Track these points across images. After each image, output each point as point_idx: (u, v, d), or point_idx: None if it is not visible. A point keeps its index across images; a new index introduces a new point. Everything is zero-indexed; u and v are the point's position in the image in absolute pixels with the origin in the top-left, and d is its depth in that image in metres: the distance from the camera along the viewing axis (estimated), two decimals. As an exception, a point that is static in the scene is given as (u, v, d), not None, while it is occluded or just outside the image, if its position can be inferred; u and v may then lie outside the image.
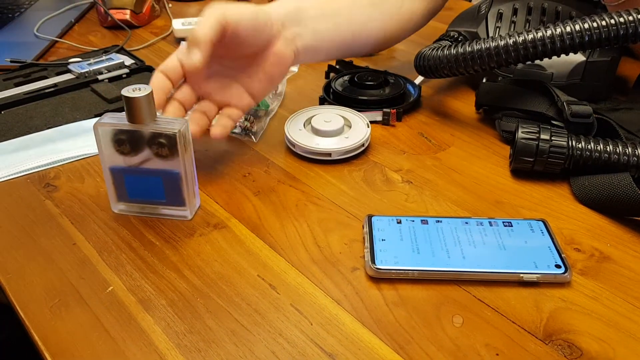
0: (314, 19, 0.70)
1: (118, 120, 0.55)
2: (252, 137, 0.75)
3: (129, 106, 0.53)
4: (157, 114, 0.56)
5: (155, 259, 0.55)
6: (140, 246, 0.57)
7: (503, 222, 0.57)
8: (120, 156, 0.57)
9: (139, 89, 0.53)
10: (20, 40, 1.02)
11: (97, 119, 0.76)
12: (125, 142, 0.56)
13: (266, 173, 0.68)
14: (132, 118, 0.54)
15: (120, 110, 0.79)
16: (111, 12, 1.10)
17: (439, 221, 0.57)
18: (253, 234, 0.58)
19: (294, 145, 0.71)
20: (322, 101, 0.82)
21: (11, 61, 0.92)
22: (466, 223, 0.57)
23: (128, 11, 1.10)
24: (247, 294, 0.51)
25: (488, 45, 0.69)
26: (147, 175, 0.57)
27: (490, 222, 0.57)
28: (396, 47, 1.03)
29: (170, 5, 1.25)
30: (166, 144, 0.55)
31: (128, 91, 0.53)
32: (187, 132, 0.56)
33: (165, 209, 0.60)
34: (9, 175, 0.67)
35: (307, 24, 0.69)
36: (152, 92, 0.53)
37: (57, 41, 1.04)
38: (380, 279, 0.52)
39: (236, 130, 0.75)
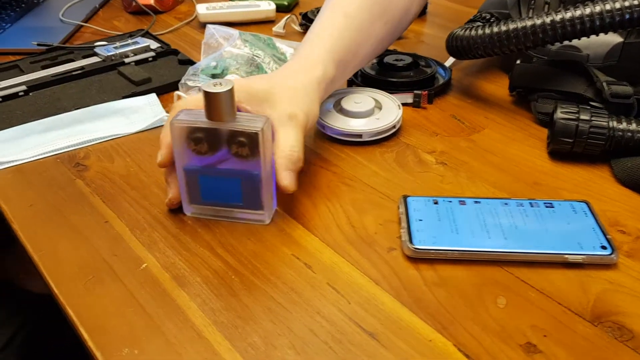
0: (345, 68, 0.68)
1: (195, 117, 0.52)
2: (282, 118, 0.73)
3: (209, 102, 0.50)
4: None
5: (188, 237, 0.54)
6: (173, 224, 0.56)
7: (544, 203, 0.56)
8: (195, 156, 0.53)
9: (220, 84, 0.49)
10: (46, 25, 1.02)
11: (125, 100, 0.76)
12: (203, 140, 0.52)
13: (297, 154, 0.67)
14: (211, 115, 0.51)
15: (147, 92, 0.78)
16: (136, -4, 1.09)
17: (477, 202, 0.56)
18: (285, 213, 0.57)
19: (323, 126, 0.69)
20: (351, 84, 0.81)
21: (38, 44, 0.92)
22: (506, 204, 0.56)
23: (152, -4, 1.09)
24: (282, 272, 0.50)
25: (524, 24, 0.68)
26: (223, 176, 0.54)
27: (530, 203, 0.56)
28: (424, 30, 1.01)
29: (194, -10, 1.24)
30: (247, 143, 0.51)
31: (209, 86, 0.49)
32: (268, 131, 0.52)
33: (241, 213, 0.56)
34: (39, 155, 0.66)
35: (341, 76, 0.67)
36: (233, 87, 0.49)
37: (82, 26, 1.04)
38: (418, 259, 0.51)
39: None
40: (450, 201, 0.56)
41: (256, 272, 0.50)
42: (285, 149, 0.54)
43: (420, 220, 0.53)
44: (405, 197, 0.56)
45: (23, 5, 1.11)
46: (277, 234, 0.54)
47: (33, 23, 1.03)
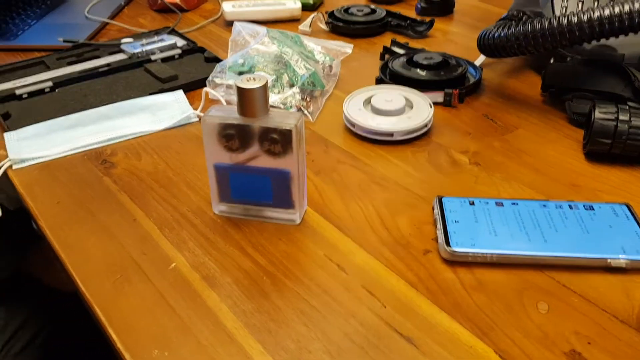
0: None
1: (227, 113, 0.51)
2: (310, 116, 0.72)
3: (242, 98, 0.49)
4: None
5: (218, 236, 0.53)
6: (202, 223, 0.55)
7: (584, 206, 0.54)
8: (226, 153, 0.52)
9: (253, 79, 0.48)
10: (72, 22, 1.02)
11: (152, 96, 0.75)
12: (235, 137, 0.51)
13: (325, 153, 0.65)
14: (244, 111, 0.49)
15: (174, 89, 0.77)
16: (161, -6, 1.08)
17: (514, 203, 0.54)
18: (317, 213, 0.56)
19: (353, 124, 0.68)
20: (379, 82, 0.79)
21: (64, 41, 0.92)
22: (544, 206, 0.54)
23: (177, -7, 1.09)
24: (314, 274, 0.49)
25: (561, 22, 0.66)
26: (254, 173, 0.53)
27: (570, 206, 0.54)
28: (451, 29, 0.99)
29: (218, -11, 1.23)
30: (279, 140, 0.50)
31: (242, 81, 0.48)
32: (302, 127, 0.51)
33: (271, 212, 0.54)
34: (65, 151, 0.66)
35: None
36: (267, 82, 0.49)
37: (107, 23, 1.03)
38: (456, 262, 0.49)
39: (292, 110, 0.73)
40: (487, 202, 0.54)
41: (288, 273, 0.49)
42: None
43: (457, 221, 0.52)
44: (440, 198, 0.55)
45: (48, 2, 1.11)
46: (309, 235, 0.53)
47: (58, 20, 1.03)
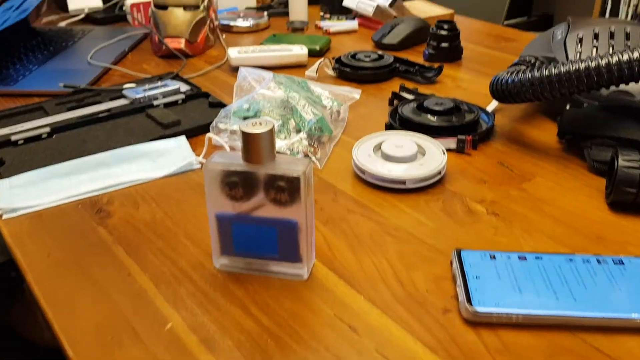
0: None
1: (230, 159, 0.48)
2: (317, 162, 0.69)
3: (248, 143, 0.46)
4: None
5: (218, 293, 0.49)
6: (201, 278, 0.51)
7: (613, 260, 0.50)
8: (229, 202, 0.49)
9: (259, 124, 0.45)
10: (74, 68, 1.00)
11: (152, 142, 0.72)
12: (238, 185, 0.48)
13: (334, 201, 0.62)
14: (249, 157, 0.46)
15: (176, 135, 0.75)
16: (166, 40, 1.07)
17: (539, 258, 0.50)
18: (325, 267, 0.52)
19: (363, 171, 0.65)
20: (389, 127, 0.77)
21: (64, 86, 0.89)
22: (570, 260, 0.50)
23: (183, 40, 1.08)
24: (323, 336, 0.44)
25: (578, 67, 0.63)
26: (259, 224, 0.49)
27: (598, 260, 0.50)
28: (460, 76, 0.97)
29: (224, 35, 1.23)
30: (286, 188, 0.47)
31: (247, 126, 0.45)
32: (311, 175, 0.48)
33: (277, 266, 0.51)
34: (59, 200, 0.62)
35: None
36: (274, 127, 0.46)
37: (110, 68, 1.02)
38: (479, 322, 0.45)
39: (298, 157, 0.70)
40: (509, 256, 0.50)
41: (294, 335, 0.44)
42: None
43: (478, 277, 0.48)
44: (458, 251, 0.51)
45: (51, 48, 1.10)
46: (317, 291, 0.49)
47: (60, 66, 1.01)
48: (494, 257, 0.50)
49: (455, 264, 0.50)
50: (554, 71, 0.64)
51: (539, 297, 0.46)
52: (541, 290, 0.46)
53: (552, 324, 0.45)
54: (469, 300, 0.45)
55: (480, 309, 0.44)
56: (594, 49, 0.77)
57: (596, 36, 0.77)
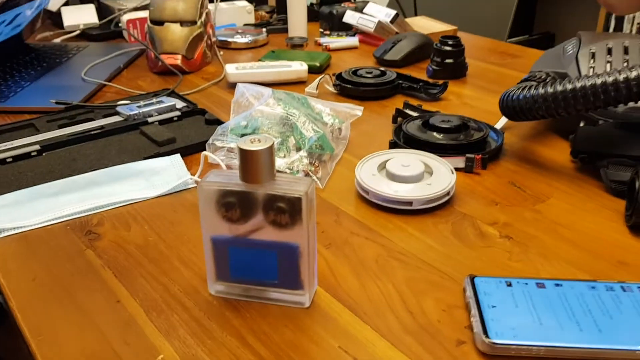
0: None
1: (227, 178, 0.45)
2: (318, 182, 0.66)
3: (246, 161, 0.42)
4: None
5: (213, 321, 0.45)
6: (195, 306, 0.47)
7: (638, 287, 0.46)
8: (226, 224, 0.45)
9: (258, 140, 0.43)
10: (67, 84, 0.97)
11: (146, 160, 0.69)
12: (236, 206, 0.44)
13: (336, 223, 0.59)
14: (247, 176, 0.43)
15: (171, 153, 0.71)
16: (162, 57, 1.04)
17: (558, 285, 0.47)
18: (328, 294, 0.48)
19: (367, 192, 0.62)
20: (393, 145, 0.73)
21: (56, 102, 0.86)
22: (593, 287, 0.46)
23: (179, 56, 1.05)
24: (327, 370, 0.41)
25: (594, 82, 0.60)
26: (257, 248, 0.46)
27: (622, 287, 0.46)
28: (465, 93, 0.94)
29: (221, 52, 1.20)
30: (287, 210, 0.43)
31: (245, 142, 0.42)
32: (313, 195, 0.45)
33: (277, 293, 0.47)
34: (47, 221, 0.59)
35: None
36: (273, 144, 0.43)
37: (105, 85, 0.99)
38: (496, 356, 0.41)
39: (299, 176, 0.66)
40: (526, 283, 0.47)
41: (296, 368, 0.41)
42: None
43: (494, 306, 0.44)
44: (472, 278, 0.47)
45: (45, 64, 1.07)
46: (320, 320, 0.45)
47: (54, 82, 0.98)
48: (510, 284, 0.47)
49: (469, 292, 0.46)
50: (569, 86, 0.62)
51: (561, 328, 0.42)
52: (563, 320, 0.43)
53: (575, 357, 0.41)
54: (485, 331, 0.42)
55: (498, 340, 0.41)
56: (608, 64, 0.74)
57: (609, 51, 0.74)
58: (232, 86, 0.97)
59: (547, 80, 0.75)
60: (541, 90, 0.64)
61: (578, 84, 0.61)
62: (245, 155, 0.42)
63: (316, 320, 0.45)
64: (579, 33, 0.80)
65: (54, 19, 1.37)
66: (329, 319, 0.46)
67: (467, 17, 2.23)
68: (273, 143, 0.42)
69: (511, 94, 0.68)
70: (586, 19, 2.69)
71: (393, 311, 0.46)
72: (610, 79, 0.59)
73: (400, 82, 0.94)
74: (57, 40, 1.29)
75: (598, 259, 0.52)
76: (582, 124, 0.70)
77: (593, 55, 0.75)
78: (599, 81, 0.60)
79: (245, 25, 1.37)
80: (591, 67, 0.74)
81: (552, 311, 0.44)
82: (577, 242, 0.55)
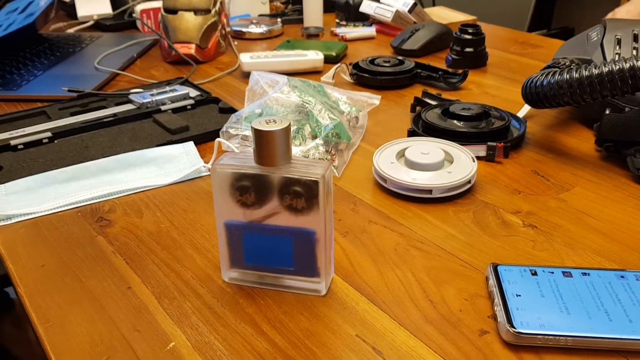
0: None
1: (241, 162, 0.43)
2: (335, 170, 0.64)
3: (261, 143, 0.41)
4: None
5: (227, 309, 0.44)
6: (208, 293, 0.46)
7: (670, 277, 0.44)
8: (240, 209, 0.44)
9: (274, 121, 0.41)
10: (80, 73, 0.96)
11: (159, 148, 0.68)
12: (250, 190, 0.43)
13: (354, 211, 0.57)
14: (262, 158, 0.41)
15: (184, 141, 0.70)
16: (176, 46, 1.03)
17: (585, 274, 0.45)
18: (346, 282, 0.47)
19: (385, 180, 0.60)
20: (412, 134, 0.72)
21: (68, 90, 0.85)
22: (622, 277, 0.44)
23: (193, 45, 1.03)
24: (344, 358, 0.39)
25: (621, 67, 0.58)
26: (272, 234, 0.44)
27: (653, 277, 0.44)
28: (485, 82, 0.92)
29: (236, 42, 1.19)
30: (303, 194, 0.42)
31: (260, 123, 0.41)
32: (330, 179, 0.43)
33: (292, 280, 0.46)
34: (58, 207, 0.58)
35: None
36: (289, 124, 0.41)
37: (118, 74, 0.98)
38: (521, 346, 0.39)
39: (315, 159, 0.65)
40: (552, 272, 0.45)
41: (311, 356, 0.39)
42: None
43: (519, 295, 0.42)
44: (495, 266, 0.45)
45: (58, 54, 1.06)
46: (337, 309, 0.44)
47: (66, 71, 0.98)
48: (535, 273, 0.45)
49: (492, 280, 0.44)
50: (595, 71, 0.59)
51: (589, 317, 0.40)
52: (591, 310, 0.41)
53: (605, 348, 0.39)
54: (509, 320, 0.40)
55: (524, 330, 0.39)
56: (634, 50, 0.71)
57: (635, 37, 0.72)
58: (247, 76, 0.96)
59: (572, 67, 0.73)
60: (566, 76, 0.62)
61: (605, 69, 0.59)
62: (261, 136, 0.40)
63: (333, 308, 0.44)
64: (604, 20, 0.77)
65: (68, 9, 1.37)
66: (346, 307, 0.44)
67: (486, 11, 2.20)
68: (289, 124, 0.41)
69: (535, 80, 0.66)
70: (606, 14, 2.65)
71: (413, 300, 0.44)
72: (639, 63, 0.57)
73: (419, 71, 0.92)
74: (71, 30, 1.28)
75: (626, 249, 0.50)
76: (607, 112, 0.67)
77: (619, 42, 0.72)
78: (627, 65, 0.58)
79: (260, 15, 1.35)
80: (617, 53, 0.72)
81: (579, 300, 0.42)
82: (604, 232, 0.53)
